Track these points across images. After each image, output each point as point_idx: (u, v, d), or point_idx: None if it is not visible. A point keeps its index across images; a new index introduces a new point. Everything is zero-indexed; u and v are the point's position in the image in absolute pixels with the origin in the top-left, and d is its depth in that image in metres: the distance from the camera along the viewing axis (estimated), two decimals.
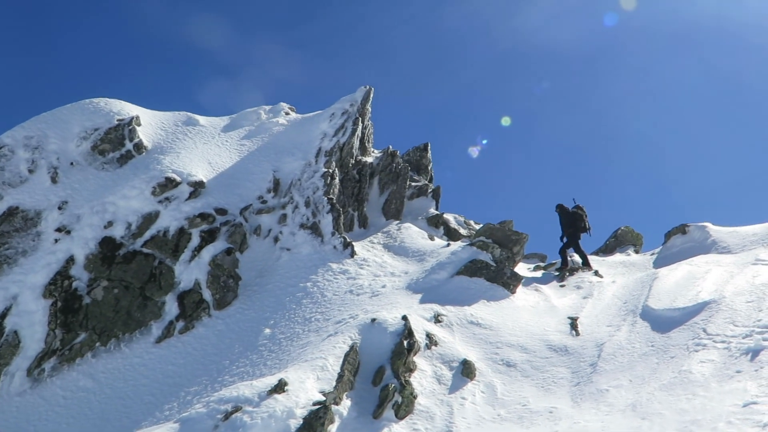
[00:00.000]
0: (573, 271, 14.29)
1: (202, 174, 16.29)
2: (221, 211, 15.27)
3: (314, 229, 15.01)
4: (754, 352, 7.24)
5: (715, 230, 14.98)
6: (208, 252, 14.22)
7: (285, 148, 18.15)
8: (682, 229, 15.71)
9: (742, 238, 13.74)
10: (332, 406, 7.82)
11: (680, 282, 10.88)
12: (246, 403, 7.46)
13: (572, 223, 14.97)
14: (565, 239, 15.04)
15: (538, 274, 14.88)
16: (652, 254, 16.35)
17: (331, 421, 7.65)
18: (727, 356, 7.55)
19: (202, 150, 17.92)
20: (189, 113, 19.95)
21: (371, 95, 19.39)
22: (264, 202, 16.14)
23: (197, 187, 15.59)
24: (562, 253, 14.90)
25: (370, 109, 19.47)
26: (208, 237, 14.58)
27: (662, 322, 9.59)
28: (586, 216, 15.10)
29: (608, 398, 7.87)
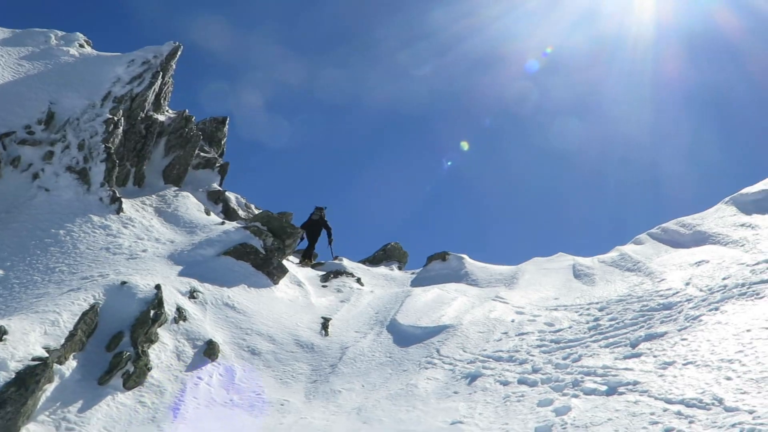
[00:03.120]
0: (338, 274, 14.75)
1: None
2: None
3: (82, 175, 13.83)
4: (473, 377, 7.99)
5: (470, 263, 16.32)
6: None
7: (70, 82, 16.55)
8: (442, 256, 16.89)
9: (490, 275, 15.12)
10: (54, 364, 7.23)
11: (429, 303, 11.68)
12: None
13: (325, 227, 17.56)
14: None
15: (307, 270, 15.15)
16: (413, 273, 17.38)
17: (50, 381, 7.07)
18: (451, 377, 8.25)
19: None
20: None
21: (179, 52, 18.41)
22: (31, 133, 14.57)
23: None
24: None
25: (174, 67, 18.45)
26: None
27: (405, 336, 10.22)
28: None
29: (339, 399, 8.20)
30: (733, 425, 4.78)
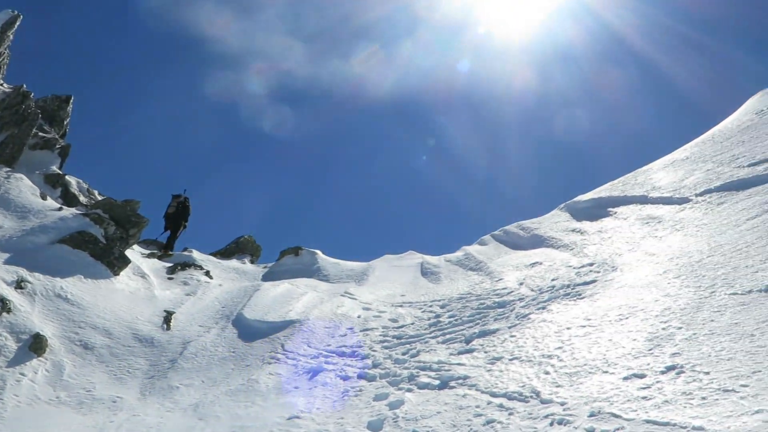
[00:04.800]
0: (186, 266, 14.30)
1: None
2: None
3: None
4: (315, 372, 8.05)
5: (323, 258, 16.44)
6: None
7: None
8: (295, 251, 16.88)
9: (341, 271, 15.31)
10: None
11: (277, 298, 11.61)
12: None
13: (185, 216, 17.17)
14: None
15: (152, 261, 14.55)
16: (265, 267, 17.22)
17: None
18: (293, 372, 8.25)
19: None
20: None
21: (17, 23, 16.99)
22: None
23: None
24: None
25: (11, 37, 17.02)
26: None
27: (250, 331, 10.10)
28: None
29: (176, 395, 7.96)
30: (546, 416, 5.15)
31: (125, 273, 12.03)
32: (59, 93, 18.67)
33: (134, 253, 14.27)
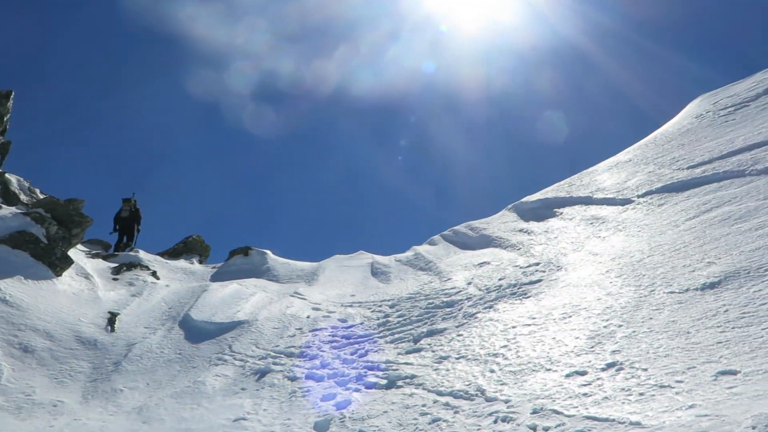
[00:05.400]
0: (132, 266, 14.02)
1: None
2: None
3: None
4: (262, 374, 7.99)
5: (273, 258, 16.32)
6: None
7: None
8: (245, 251, 16.70)
9: (291, 271, 15.23)
10: None
11: (226, 299, 11.49)
12: None
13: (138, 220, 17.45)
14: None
15: (97, 261, 14.21)
16: (214, 267, 16.99)
17: None
18: (240, 374, 8.18)
19: None
20: None
21: None
22: None
23: None
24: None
25: None
26: None
27: (197, 333, 9.97)
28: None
29: (119, 399, 7.79)
30: (491, 413, 5.23)
31: (68, 274, 11.73)
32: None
33: (78, 253, 13.92)
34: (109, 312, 10.63)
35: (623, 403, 4.47)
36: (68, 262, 11.73)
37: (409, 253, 15.06)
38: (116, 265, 14.08)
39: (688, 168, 11.21)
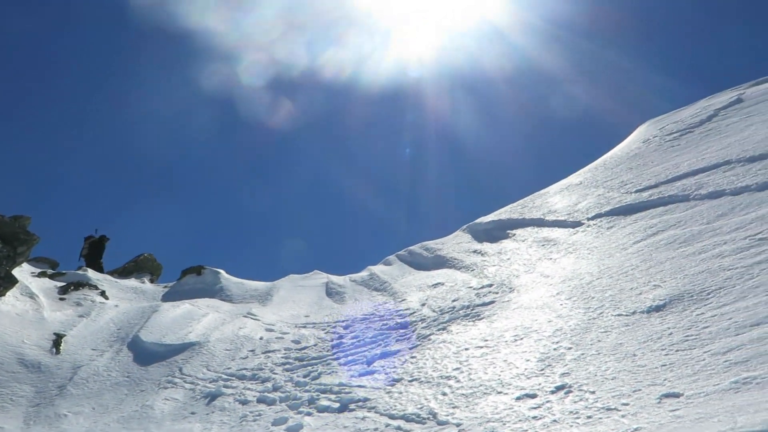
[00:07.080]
0: (80, 286, 13.68)
1: None
2: None
3: None
4: (213, 397, 7.86)
5: (226, 278, 16.11)
6: None
7: None
8: (198, 270, 16.46)
9: (245, 291, 15.05)
10: None
11: (177, 319, 11.29)
12: None
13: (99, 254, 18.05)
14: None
15: (44, 280, 13.83)
16: (165, 287, 16.69)
17: None
18: (190, 397, 8.03)
19: None
20: None
21: None
22: None
23: None
24: None
25: None
26: None
27: (147, 355, 9.76)
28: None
29: (64, 424, 7.57)
30: None
31: (12, 293, 11.38)
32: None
33: (23, 272, 13.52)
34: (55, 333, 10.33)
35: (571, 426, 4.54)
36: (12, 281, 11.39)
37: (364, 273, 15.05)
38: (63, 284, 13.72)
39: (635, 192, 11.50)
